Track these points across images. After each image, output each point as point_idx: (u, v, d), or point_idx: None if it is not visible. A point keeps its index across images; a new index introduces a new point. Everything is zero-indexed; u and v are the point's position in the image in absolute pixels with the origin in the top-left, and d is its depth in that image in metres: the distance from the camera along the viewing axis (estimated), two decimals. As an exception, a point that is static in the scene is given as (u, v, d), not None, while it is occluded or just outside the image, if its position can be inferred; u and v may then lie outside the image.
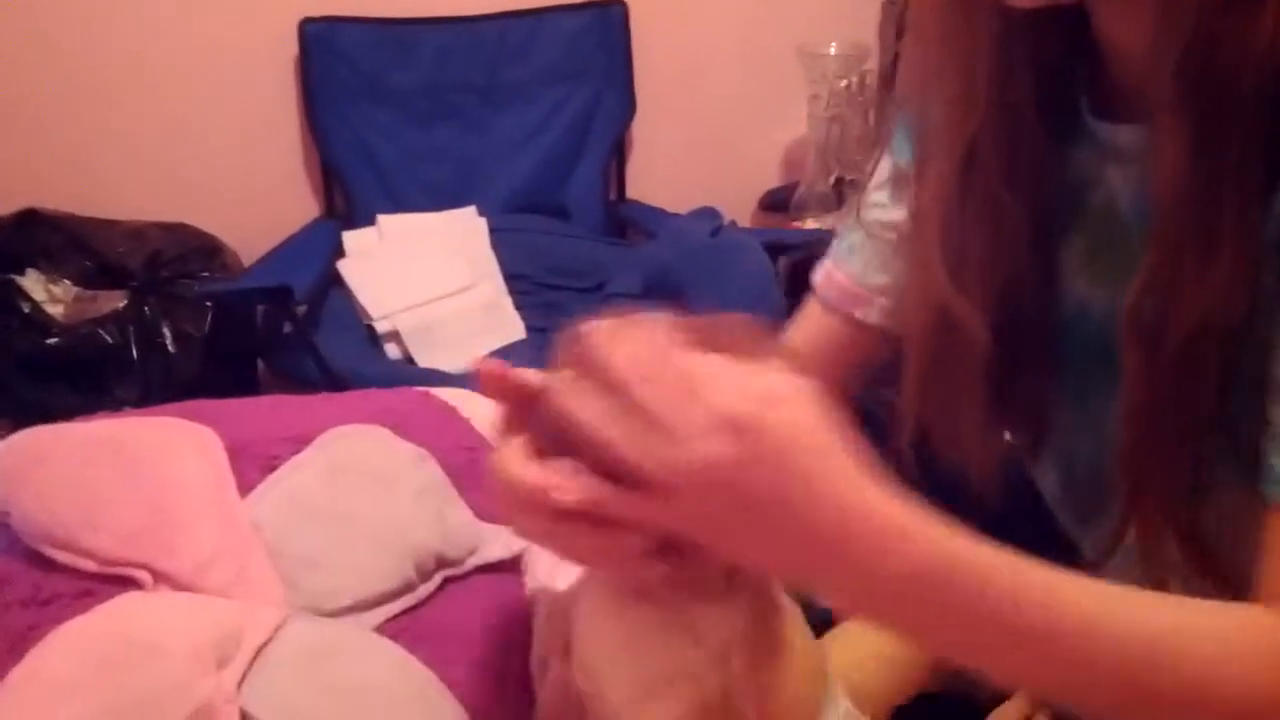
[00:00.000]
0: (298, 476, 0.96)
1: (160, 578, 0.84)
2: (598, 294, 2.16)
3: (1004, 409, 0.81)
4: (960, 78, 0.77)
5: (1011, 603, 0.55)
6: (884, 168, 0.90)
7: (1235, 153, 0.61)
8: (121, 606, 0.80)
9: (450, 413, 1.08)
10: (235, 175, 2.29)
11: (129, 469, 0.89)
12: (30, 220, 2.10)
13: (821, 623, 0.82)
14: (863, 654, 0.87)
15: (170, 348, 2.05)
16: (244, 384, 2.02)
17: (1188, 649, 0.58)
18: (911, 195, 0.84)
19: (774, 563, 0.57)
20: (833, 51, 2.27)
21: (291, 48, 2.23)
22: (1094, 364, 0.77)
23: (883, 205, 0.90)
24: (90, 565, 0.84)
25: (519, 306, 2.13)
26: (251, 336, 2.01)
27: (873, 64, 2.38)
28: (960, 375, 0.79)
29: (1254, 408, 0.63)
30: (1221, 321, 0.62)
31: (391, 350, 2.03)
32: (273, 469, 0.95)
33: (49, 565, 0.86)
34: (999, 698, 0.86)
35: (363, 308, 2.05)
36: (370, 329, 2.04)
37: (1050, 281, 0.80)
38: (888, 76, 2.42)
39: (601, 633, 0.63)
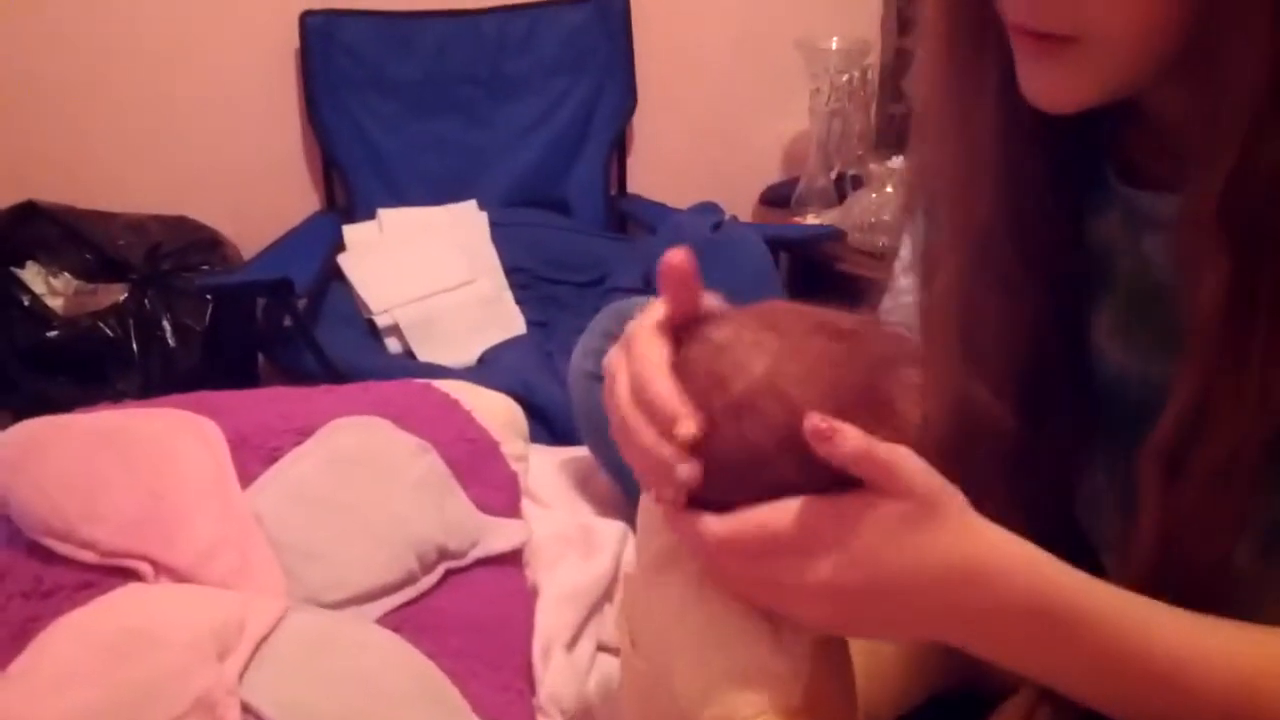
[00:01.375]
0: (299, 468, 0.96)
1: (161, 569, 0.84)
2: (598, 288, 2.16)
3: (1025, 496, 0.81)
4: (965, 169, 0.76)
5: (1110, 640, 0.59)
6: (906, 249, 0.90)
7: (1271, 280, 0.60)
8: (123, 598, 0.81)
9: (452, 405, 1.08)
10: (236, 168, 2.29)
11: (130, 460, 0.89)
12: (30, 213, 2.09)
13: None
14: (866, 659, 0.87)
15: (170, 341, 2.04)
16: (244, 377, 2.02)
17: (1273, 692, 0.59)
18: (919, 290, 0.84)
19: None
20: (834, 46, 2.26)
21: (293, 40, 2.23)
22: (1128, 436, 0.74)
23: (910, 292, 0.89)
24: (90, 557, 0.84)
25: (519, 300, 2.12)
26: (251, 330, 2.01)
27: (874, 58, 2.37)
28: (980, 466, 0.77)
29: None
30: (1253, 446, 0.62)
31: (392, 344, 2.03)
32: (274, 460, 0.95)
33: (49, 557, 0.86)
34: (1001, 695, 0.86)
35: (363, 301, 2.05)
36: (370, 323, 2.04)
37: (1081, 356, 0.79)
38: (889, 71, 2.42)
39: (683, 623, 0.65)
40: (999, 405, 0.76)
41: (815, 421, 0.59)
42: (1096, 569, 0.67)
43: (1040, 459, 0.78)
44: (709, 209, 2.22)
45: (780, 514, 0.60)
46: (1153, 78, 0.64)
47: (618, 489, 1.14)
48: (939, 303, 0.80)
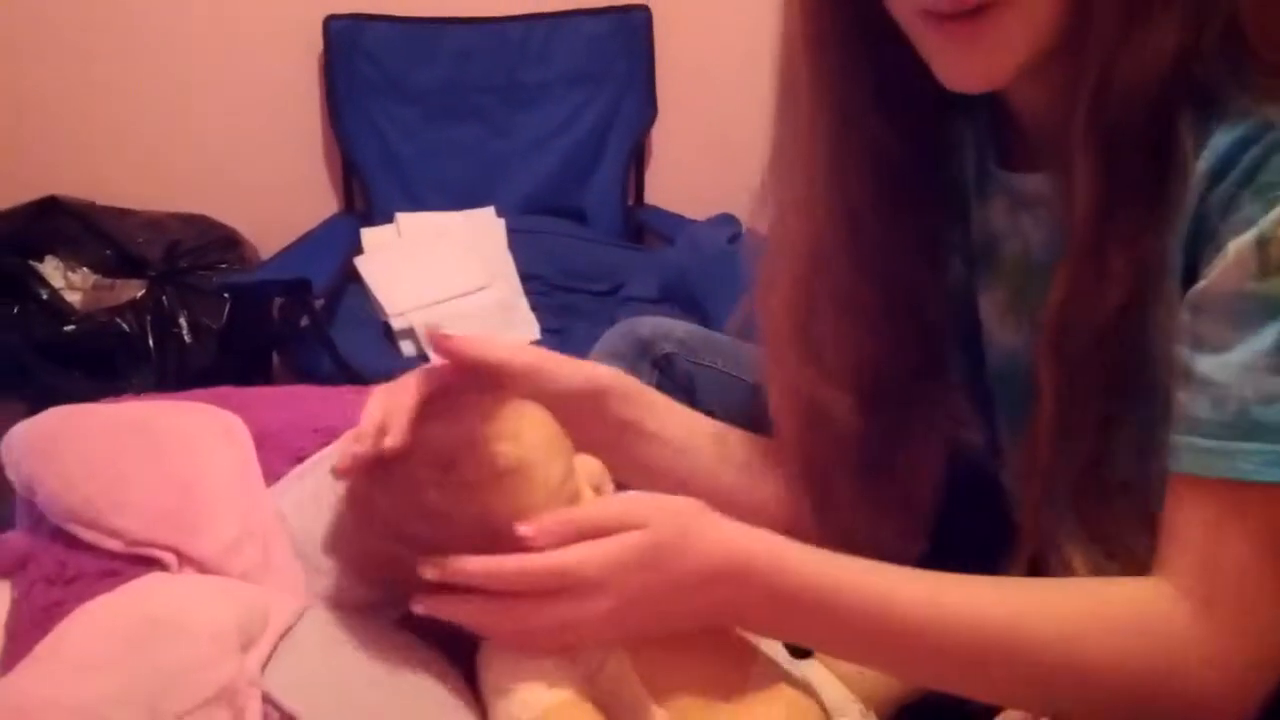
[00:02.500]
0: (322, 472, 0.96)
1: (185, 560, 0.84)
2: (613, 297, 2.17)
3: (873, 492, 0.86)
4: (803, 177, 0.82)
5: (853, 613, 0.69)
6: None
7: (1134, 178, 0.67)
8: (147, 586, 0.81)
9: (532, 385, 1.08)
10: (256, 169, 2.30)
11: (156, 451, 0.89)
12: (51, 208, 2.11)
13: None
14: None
15: (186, 338, 2.05)
16: (258, 377, 2.02)
17: (1041, 629, 0.67)
18: (757, 293, 0.89)
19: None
20: (854, 62, 2.27)
21: (316, 44, 2.24)
22: (1020, 414, 0.80)
23: None
24: (116, 545, 0.85)
25: (534, 307, 2.13)
26: (267, 329, 2.02)
27: (894, 76, 2.38)
28: (826, 463, 0.85)
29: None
30: (1117, 329, 0.69)
31: (406, 347, 2.04)
32: (299, 460, 0.95)
33: (74, 544, 0.86)
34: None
35: (379, 304, 2.06)
36: (386, 325, 2.05)
37: (976, 338, 0.84)
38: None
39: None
40: (843, 405, 0.83)
41: (523, 531, 0.69)
42: (985, 554, 0.73)
43: (891, 455, 0.84)
44: (726, 221, 2.23)
45: (545, 561, 0.69)
46: (1049, 47, 0.69)
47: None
48: (779, 309, 0.86)
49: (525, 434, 0.77)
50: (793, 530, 0.74)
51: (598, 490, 0.81)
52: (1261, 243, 0.62)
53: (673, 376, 1.04)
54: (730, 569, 0.69)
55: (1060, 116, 0.70)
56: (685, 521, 0.70)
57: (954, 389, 0.86)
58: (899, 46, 0.74)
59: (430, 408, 0.79)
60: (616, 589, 0.68)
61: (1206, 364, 0.65)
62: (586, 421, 0.85)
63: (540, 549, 0.69)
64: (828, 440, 0.84)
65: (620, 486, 0.85)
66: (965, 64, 0.71)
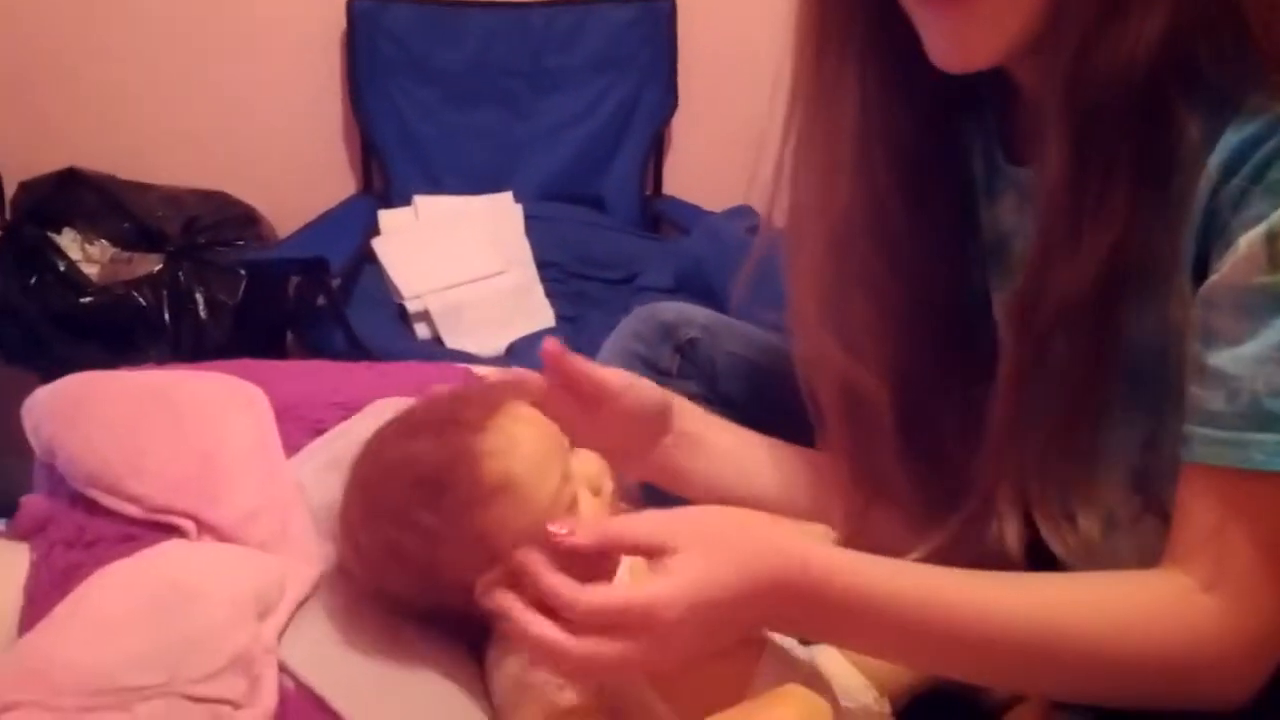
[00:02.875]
0: (342, 444, 0.97)
1: (204, 527, 0.84)
2: (629, 286, 2.17)
3: (914, 466, 0.86)
4: (826, 166, 0.82)
5: (903, 618, 0.69)
6: None
7: (1114, 164, 0.68)
8: (167, 552, 0.81)
9: (524, 387, 1.08)
10: (276, 148, 2.31)
11: (178, 419, 0.90)
12: (71, 180, 2.12)
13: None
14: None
15: (202, 313, 2.06)
16: (273, 354, 2.02)
17: (1078, 622, 0.69)
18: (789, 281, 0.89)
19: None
20: (877, 58, 2.26)
21: (339, 24, 2.25)
22: None
23: None
24: (135, 511, 0.85)
25: (550, 294, 2.13)
26: (283, 307, 2.02)
27: (915, 73, 2.38)
28: (867, 436, 0.86)
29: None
30: (1092, 308, 0.70)
31: (421, 330, 2.04)
32: (319, 433, 0.95)
33: (93, 508, 0.87)
34: (1014, 699, 0.86)
35: (395, 286, 2.06)
36: (401, 307, 2.05)
37: (992, 336, 0.83)
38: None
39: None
40: (879, 387, 0.83)
41: (552, 530, 0.69)
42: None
43: (932, 433, 0.84)
44: (743, 213, 2.22)
45: (628, 597, 0.68)
46: (1029, 34, 0.70)
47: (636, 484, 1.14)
48: (805, 301, 0.87)
49: (515, 447, 0.77)
50: (849, 540, 0.77)
51: (596, 492, 0.81)
52: (1271, 237, 0.63)
53: (695, 361, 1.04)
54: (775, 579, 0.69)
55: (1045, 103, 0.71)
56: (731, 536, 0.70)
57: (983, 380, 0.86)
58: (913, 36, 0.75)
59: (418, 424, 0.80)
60: (693, 626, 0.67)
61: (1219, 357, 0.66)
62: (659, 432, 0.89)
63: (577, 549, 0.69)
64: (866, 420, 0.85)
65: (618, 485, 0.86)
66: (951, 42, 0.72)
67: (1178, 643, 0.68)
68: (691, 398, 1.03)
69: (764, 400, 1.02)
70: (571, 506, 0.79)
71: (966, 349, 0.84)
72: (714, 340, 1.05)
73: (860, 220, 0.82)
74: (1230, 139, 0.65)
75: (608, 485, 0.82)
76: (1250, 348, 0.64)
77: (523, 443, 0.78)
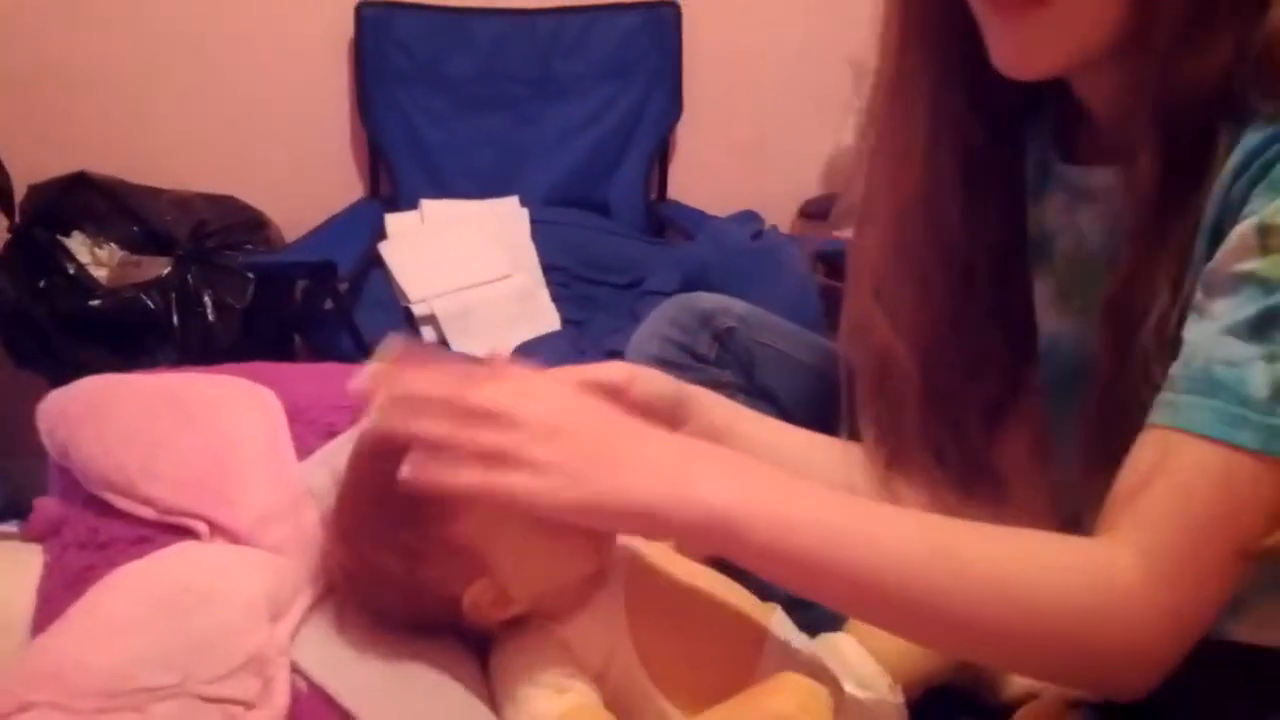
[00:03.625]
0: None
1: (217, 530, 0.85)
2: (634, 290, 2.17)
3: (936, 441, 0.88)
4: (901, 144, 0.85)
5: (806, 503, 0.68)
6: None
7: (1184, 173, 0.70)
8: (180, 553, 0.82)
9: None
10: (284, 152, 2.32)
11: (190, 421, 0.91)
12: (80, 183, 2.12)
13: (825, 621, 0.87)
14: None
15: (210, 317, 2.06)
16: (280, 357, 2.04)
17: (976, 555, 0.66)
18: (851, 251, 0.92)
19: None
20: (882, 65, 2.27)
21: (347, 31, 2.26)
22: (1064, 389, 0.84)
23: None
24: (149, 513, 0.86)
25: (555, 298, 2.14)
26: (290, 310, 2.03)
27: (921, 80, 2.38)
28: (901, 410, 0.88)
29: None
30: (1164, 314, 0.70)
31: (427, 333, 2.05)
32: (330, 435, 0.96)
33: (106, 510, 0.88)
34: (1025, 697, 0.87)
35: (401, 290, 2.07)
36: (407, 311, 2.06)
37: (1031, 325, 0.87)
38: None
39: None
40: (911, 361, 0.86)
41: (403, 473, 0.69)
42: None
43: (955, 412, 0.87)
44: (748, 218, 2.23)
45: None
46: (1102, 45, 0.72)
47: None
48: (863, 271, 0.90)
49: None
50: None
51: None
52: (1262, 228, 0.65)
53: (733, 350, 1.06)
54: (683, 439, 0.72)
55: (1126, 111, 0.73)
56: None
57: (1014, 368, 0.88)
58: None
59: (393, 440, 0.81)
60: (559, 414, 0.68)
61: (1190, 330, 0.67)
62: (674, 424, 0.88)
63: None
64: (895, 390, 0.87)
65: None
66: (1017, 49, 0.74)
67: (1095, 595, 0.64)
68: (728, 386, 1.05)
69: (800, 393, 1.04)
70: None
71: (998, 337, 0.87)
72: (751, 332, 1.06)
73: (921, 205, 0.85)
74: (1248, 142, 0.67)
75: None
76: (1220, 321, 0.65)
77: None
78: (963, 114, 0.83)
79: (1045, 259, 0.87)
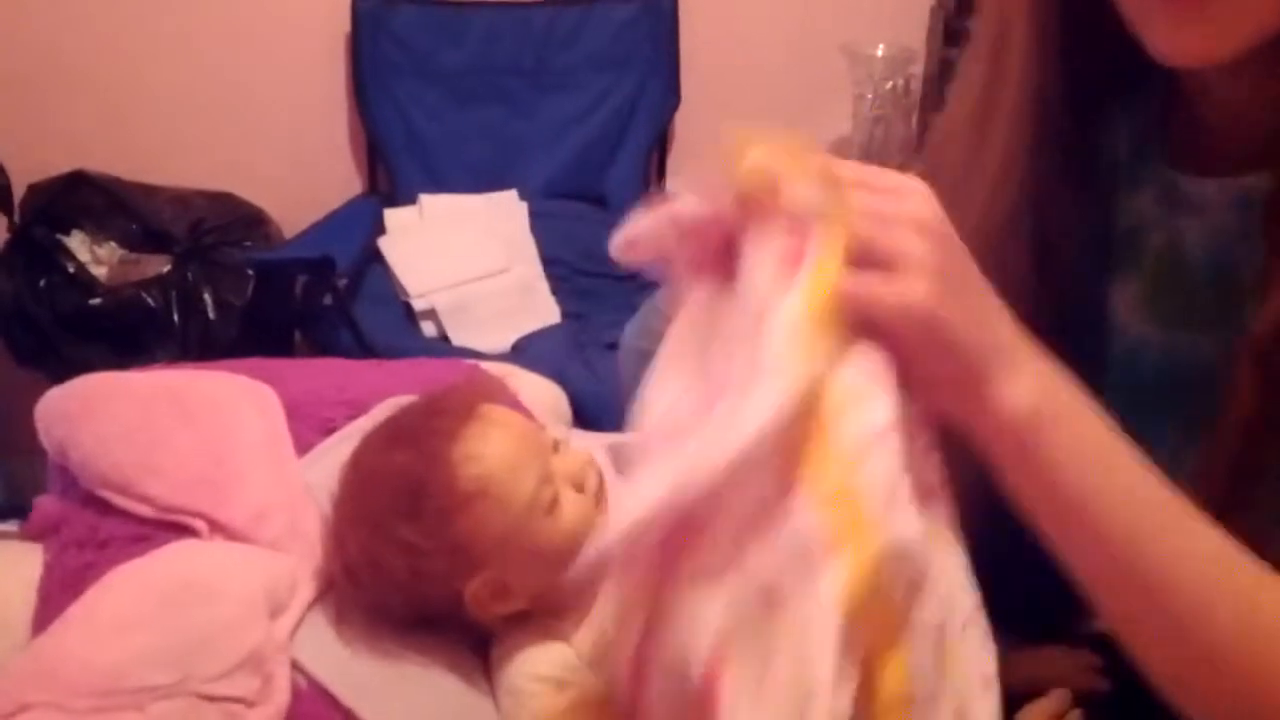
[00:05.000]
0: (350, 445, 0.97)
1: (216, 527, 0.85)
2: (633, 283, 2.17)
3: None
4: (993, 153, 0.79)
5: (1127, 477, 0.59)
6: None
7: None
8: (179, 551, 0.82)
9: (501, 388, 1.09)
10: (282, 148, 2.31)
11: (190, 419, 0.91)
12: (78, 182, 2.12)
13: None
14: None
15: (210, 314, 2.06)
16: (281, 354, 2.03)
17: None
18: None
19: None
20: (880, 53, 2.27)
21: (344, 25, 2.25)
22: (1142, 402, 0.78)
23: None
24: (147, 511, 0.86)
25: (554, 291, 2.13)
26: (290, 307, 2.03)
27: (919, 68, 2.38)
28: None
29: None
30: None
31: (427, 328, 2.05)
32: (329, 432, 0.96)
33: (105, 509, 0.88)
34: (1028, 695, 0.87)
35: (401, 284, 2.07)
36: (407, 305, 2.06)
37: (1099, 323, 0.82)
38: (933, 80, 2.42)
39: None
40: None
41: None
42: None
43: None
44: (748, 209, 2.23)
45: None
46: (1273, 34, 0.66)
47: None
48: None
49: (488, 452, 0.79)
50: None
51: (579, 489, 0.82)
52: None
53: None
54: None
55: (1263, 117, 0.69)
56: None
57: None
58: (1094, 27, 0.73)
59: (394, 436, 0.81)
60: (942, 221, 0.58)
61: None
62: None
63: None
64: None
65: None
66: (1186, 34, 0.68)
67: None
68: None
69: None
70: (552, 506, 0.79)
71: (1072, 329, 0.83)
72: None
73: (1008, 178, 0.80)
74: None
75: (592, 481, 0.83)
76: None
77: (496, 447, 0.79)
78: (1058, 77, 0.77)
79: (1133, 254, 0.81)
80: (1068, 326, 0.81)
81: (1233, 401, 0.69)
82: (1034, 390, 0.58)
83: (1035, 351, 0.61)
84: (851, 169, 0.60)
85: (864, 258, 0.56)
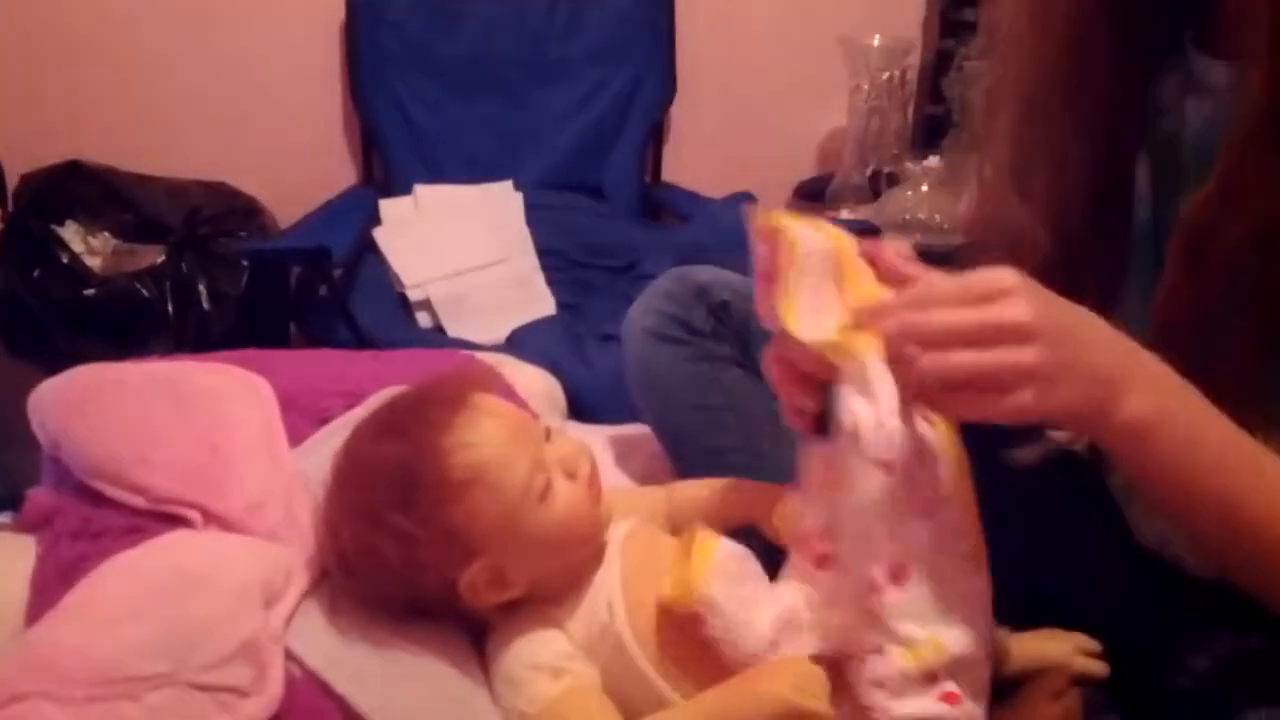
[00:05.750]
0: (345, 435, 0.97)
1: (210, 517, 0.85)
2: (629, 274, 2.17)
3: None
4: (1036, 24, 0.83)
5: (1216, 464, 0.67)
6: None
7: None
8: (173, 542, 0.82)
9: (494, 377, 1.09)
10: (277, 139, 2.31)
11: (184, 410, 0.90)
12: (73, 172, 2.12)
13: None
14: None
15: (205, 304, 2.06)
16: (276, 344, 2.02)
17: None
18: (981, 121, 0.91)
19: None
20: (876, 43, 2.27)
21: (338, 15, 2.24)
22: (1147, 274, 0.82)
23: None
24: (141, 501, 0.86)
25: (550, 282, 2.13)
26: (285, 297, 2.02)
27: (915, 59, 2.38)
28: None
29: None
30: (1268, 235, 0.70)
31: (423, 319, 2.04)
32: (324, 422, 0.96)
33: (99, 500, 0.88)
34: (1027, 673, 0.87)
35: (396, 275, 2.06)
36: (402, 296, 2.05)
37: (1128, 201, 0.85)
38: (929, 71, 2.42)
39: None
40: (1039, 230, 0.84)
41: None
42: None
43: (1077, 282, 0.82)
44: (743, 199, 2.23)
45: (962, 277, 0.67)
46: None
47: (659, 462, 1.14)
48: (996, 141, 0.88)
49: (480, 441, 0.78)
50: None
51: (571, 476, 0.82)
52: None
53: (728, 323, 1.05)
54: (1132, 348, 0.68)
55: (1261, 6, 0.71)
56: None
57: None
58: None
59: (386, 425, 0.81)
60: (1047, 322, 0.64)
61: None
62: None
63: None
64: (1023, 260, 0.84)
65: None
66: None
67: None
68: (723, 360, 1.04)
69: None
70: (545, 494, 0.79)
71: (1114, 205, 0.86)
72: (746, 305, 1.05)
73: (1059, 71, 0.83)
74: None
75: (584, 468, 0.83)
76: None
77: (488, 435, 0.79)
78: None
79: (1146, 137, 0.85)
80: (1094, 197, 0.83)
81: (1166, 284, 0.75)
82: (1147, 400, 0.66)
83: (1141, 357, 0.68)
84: (943, 285, 0.67)
85: (975, 381, 0.64)
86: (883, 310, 0.69)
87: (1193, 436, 0.67)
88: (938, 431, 0.73)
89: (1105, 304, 0.82)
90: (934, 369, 0.65)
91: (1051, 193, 0.84)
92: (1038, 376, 0.64)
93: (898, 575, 0.71)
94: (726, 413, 1.04)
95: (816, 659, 0.75)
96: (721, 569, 0.76)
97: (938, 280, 0.68)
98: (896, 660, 0.72)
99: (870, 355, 0.68)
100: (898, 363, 0.68)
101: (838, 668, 0.75)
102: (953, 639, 0.73)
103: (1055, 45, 0.82)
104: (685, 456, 1.06)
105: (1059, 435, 0.91)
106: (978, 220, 0.91)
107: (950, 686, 0.73)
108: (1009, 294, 0.65)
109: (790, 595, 0.77)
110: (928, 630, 0.72)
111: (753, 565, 0.79)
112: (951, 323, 0.65)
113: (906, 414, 0.69)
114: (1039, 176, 0.85)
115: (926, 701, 0.72)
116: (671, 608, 0.76)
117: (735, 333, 1.05)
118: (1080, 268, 0.84)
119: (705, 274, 1.08)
